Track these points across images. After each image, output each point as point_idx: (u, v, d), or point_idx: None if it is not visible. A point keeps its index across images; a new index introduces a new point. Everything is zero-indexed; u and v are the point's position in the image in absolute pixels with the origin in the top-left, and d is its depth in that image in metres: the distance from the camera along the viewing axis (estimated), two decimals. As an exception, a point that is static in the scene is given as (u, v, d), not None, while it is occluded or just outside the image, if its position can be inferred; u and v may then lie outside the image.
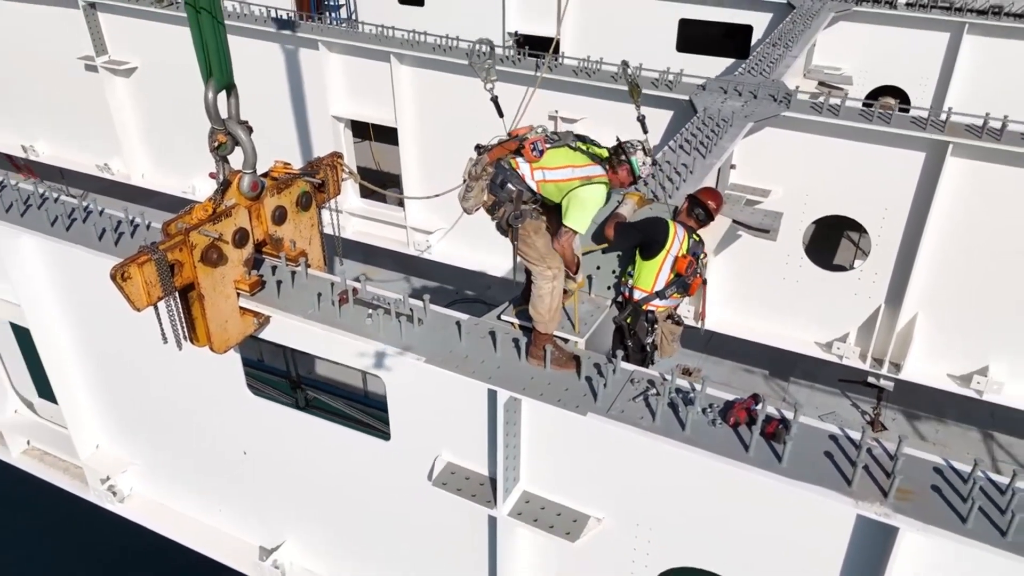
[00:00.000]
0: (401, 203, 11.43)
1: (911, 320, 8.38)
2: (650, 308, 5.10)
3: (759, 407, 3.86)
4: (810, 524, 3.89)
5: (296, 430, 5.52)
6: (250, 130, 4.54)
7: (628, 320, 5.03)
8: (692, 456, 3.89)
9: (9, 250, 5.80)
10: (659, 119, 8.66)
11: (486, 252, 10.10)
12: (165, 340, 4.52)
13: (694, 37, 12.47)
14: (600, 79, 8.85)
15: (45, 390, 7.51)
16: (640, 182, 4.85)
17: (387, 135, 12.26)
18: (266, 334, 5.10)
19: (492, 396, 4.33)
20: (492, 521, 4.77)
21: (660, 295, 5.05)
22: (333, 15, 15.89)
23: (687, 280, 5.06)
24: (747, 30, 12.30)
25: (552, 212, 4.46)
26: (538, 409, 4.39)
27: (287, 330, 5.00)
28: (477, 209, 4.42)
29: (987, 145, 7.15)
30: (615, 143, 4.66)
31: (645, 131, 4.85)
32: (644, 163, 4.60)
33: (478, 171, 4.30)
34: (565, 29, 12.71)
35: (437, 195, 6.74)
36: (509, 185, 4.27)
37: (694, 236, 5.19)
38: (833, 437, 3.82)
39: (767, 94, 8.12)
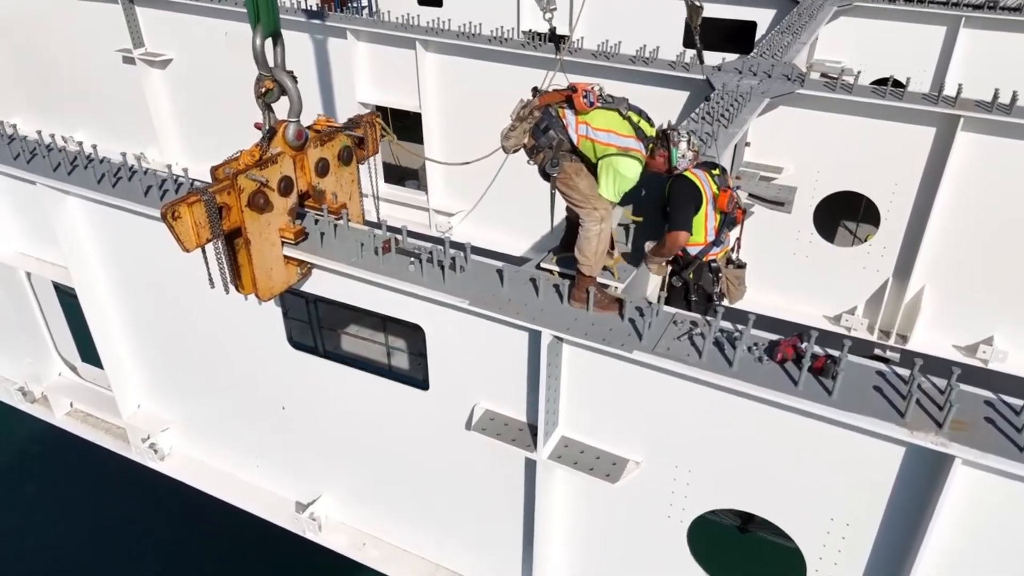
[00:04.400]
0: (423, 187, 11.19)
1: (918, 292, 8.12)
2: (711, 258, 4.83)
3: (805, 345, 3.61)
4: (856, 462, 3.64)
5: (335, 383, 5.27)
6: (295, 79, 4.31)
7: (691, 276, 4.76)
8: (738, 393, 3.66)
9: (57, 211, 5.57)
10: (676, 100, 8.41)
11: (504, 233, 9.84)
12: (212, 285, 4.28)
13: (700, 33, 12.22)
14: (618, 61, 8.60)
15: (88, 354, 7.29)
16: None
17: (407, 132, 12.07)
18: (307, 287, 4.87)
19: (535, 338, 4.09)
20: (531, 466, 4.53)
21: (716, 242, 4.78)
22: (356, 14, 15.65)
23: (732, 214, 4.78)
24: (751, 26, 12.07)
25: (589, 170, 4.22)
26: (578, 355, 4.16)
27: (328, 282, 4.77)
28: (516, 150, 4.19)
29: (998, 118, 6.89)
30: (663, 127, 4.43)
31: (701, 61, 4.60)
32: (684, 155, 4.38)
33: (525, 113, 4.06)
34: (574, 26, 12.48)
35: (467, 162, 6.53)
36: (551, 132, 4.03)
37: (713, 171, 4.88)
38: (881, 373, 3.58)
39: (781, 74, 7.87)
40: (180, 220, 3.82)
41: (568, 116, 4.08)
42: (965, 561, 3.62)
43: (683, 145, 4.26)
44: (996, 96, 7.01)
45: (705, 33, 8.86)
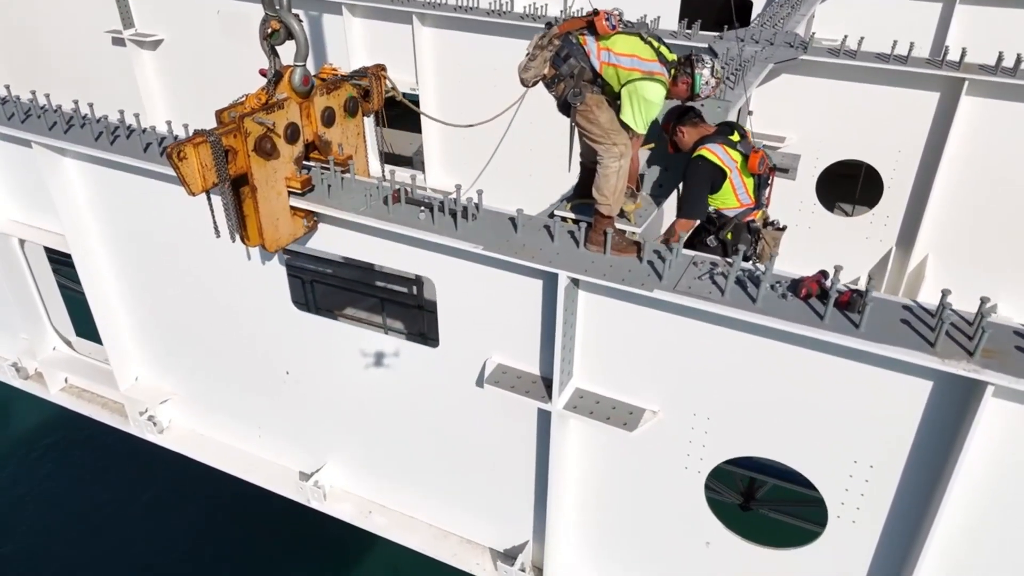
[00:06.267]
0: (420, 166, 11.07)
1: (922, 262, 8.10)
2: (750, 219, 4.76)
3: (829, 281, 3.54)
4: (881, 400, 3.57)
5: (341, 344, 5.17)
6: (300, 21, 4.20)
7: (729, 236, 4.70)
8: (761, 331, 3.59)
9: (53, 172, 5.43)
10: (677, 69, 8.34)
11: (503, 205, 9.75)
12: (218, 234, 4.17)
13: (696, 10, 12.17)
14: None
15: (82, 328, 7.15)
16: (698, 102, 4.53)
17: (399, 121, 11.93)
18: (313, 243, 4.76)
19: (550, 284, 3.99)
20: (544, 419, 4.44)
21: (758, 204, 4.71)
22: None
23: (766, 176, 4.71)
24: (747, 5, 12.02)
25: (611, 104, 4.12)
26: (594, 302, 4.07)
27: (335, 236, 4.66)
28: (536, 82, 4.06)
29: (1004, 80, 6.87)
30: (687, 53, 4.35)
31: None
32: (708, 83, 4.30)
33: (544, 42, 3.93)
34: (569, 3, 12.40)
35: (471, 125, 6.42)
36: (572, 60, 3.93)
37: (732, 137, 4.82)
38: (908, 308, 3.51)
39: (783, 42, 7.82)
40: (186, 161, 3.71)
41: (589, 43, 3.99)
42: (994, 502, 3.56)
43: (706, 72, 4.18)
44: (1000, 59, 6.99)
45: (701, 10, 8.82)
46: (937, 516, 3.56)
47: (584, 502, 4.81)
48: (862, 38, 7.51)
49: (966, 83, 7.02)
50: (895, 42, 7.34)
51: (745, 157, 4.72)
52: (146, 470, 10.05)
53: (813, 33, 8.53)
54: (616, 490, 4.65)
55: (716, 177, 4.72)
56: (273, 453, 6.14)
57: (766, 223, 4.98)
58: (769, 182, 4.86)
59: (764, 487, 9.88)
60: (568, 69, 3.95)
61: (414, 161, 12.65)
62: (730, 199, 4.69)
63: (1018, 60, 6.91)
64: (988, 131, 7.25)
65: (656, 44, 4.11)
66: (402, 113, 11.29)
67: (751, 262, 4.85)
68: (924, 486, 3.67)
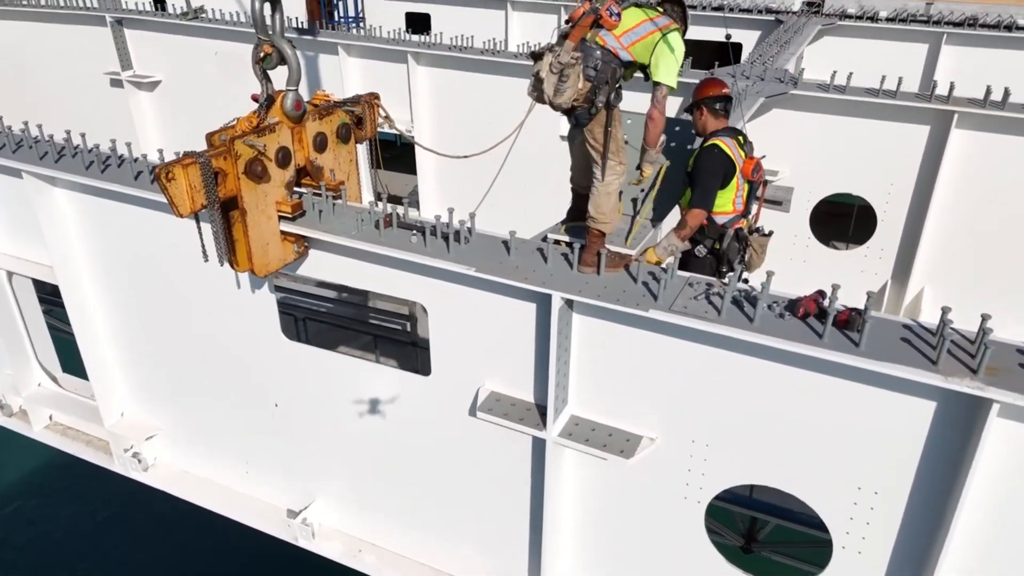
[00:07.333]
0: (416, 206, 11.09)
1: (918, 295, 8.06)
2: (738, 227, 4.73)
3: (827, 301, 3.49)
4: (884, 422, 3.48)
5: (331, 373, 5.06)
6: (294, 47, 4.22)
7: (717, 245, 4.66)
8: (759, 351, 3.51)
9: (43, 203, 5.39)
10: (671, 104, 8.40)
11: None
12: (206, 258, 4.11)
13: (688, 54, 12.39)
14: None
15: (68, 365, 7.03)
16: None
17: (394, 163, 12.04)
18: (304, 269, 4.70)
19: (544, 307, 3.92)
20: (539, 448, 4.32)
21: (745, 212, 4.69)
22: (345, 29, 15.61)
23: (756, 183, 4.70)
24: (737, 47, 12.24)
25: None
26: (589, 324, 4.00)
27: (326, 262, 4.61)
28: (571, 103, 3.91)
29: (992, 113, 6.94)
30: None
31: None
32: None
33: (569, 58, 3.75)
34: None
35: (466, 156, 6.42)
36: (601, 64, 3.88)
37: (738, 137, 4.82)
38: (907, 327, 3.45)
39: (773, 77, 7.92)
40: (174, 182, 3.67)
41: (607, 38, 3.97)
42: (1002, 528, 3.45)
43: None
44: (988, 92, 7.07)
45: (692, 50, 8.93)
46: (945, 544, 3.44)
47: (580, 534, 4.66)
48: (851, 73, 7.62)
49: (956, 116, 7.09)
50: (884, 77, 7.44)
51: (750, 158, 4.75)
52: (132, 499, 9.82)
53: (803, 69, 8.64)
54: (613, 521, 4.51)
55: (729, 169, 4.72)
56: (261, 489, 5.97)
57: (752, 230, 4.97)
58: (759, 194, 4.86)
59: (766, 528, 9.66)
60: (604, 74, 3.88)
61: (410, 202, 12.71)
62: (728, 202, 4.67)
63: (1006, 94, 6.99)
64: (980, 164, 7.30)
65: (644, 8, 4.18)
66: (397, 155, 11.36)
67: (742, 269, 4.84)
68: (931, 513, 3.56)
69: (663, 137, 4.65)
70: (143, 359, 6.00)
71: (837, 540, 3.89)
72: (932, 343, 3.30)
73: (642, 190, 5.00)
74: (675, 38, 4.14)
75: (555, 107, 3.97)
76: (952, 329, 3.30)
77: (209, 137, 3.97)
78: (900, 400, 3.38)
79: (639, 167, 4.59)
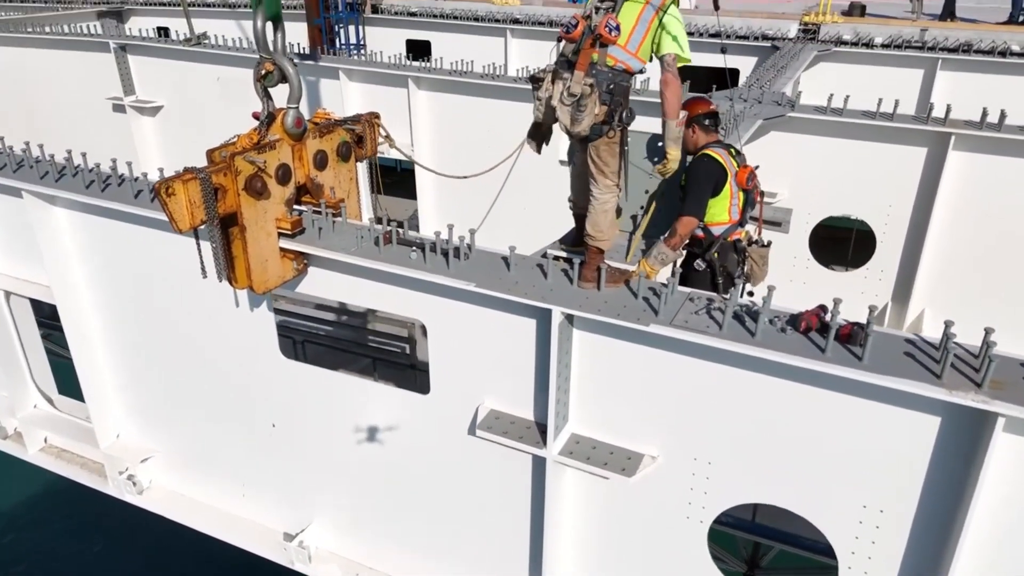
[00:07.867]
0: (416, 230, 11.12)
1: (918, 316, 8.04)
2: (736, 238, 4.73)
3: (829, 315, 3.47)
4: (888, 438, 3.44)
5: (329, 391, 5.02)
6: (295, 65, 4.24)
7: (716, 256, 4.64)
8: (761, 366, 3.48)
9: (43, 222, 5.39)
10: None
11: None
12: (205, 274, 4.09)
13: (684, 78, 12.51)
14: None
15: (66, 386, 6.97)
16: None
17: (393, 188, 12.10)
18: (303, 286, 4.69)
19: (544, 323, 3.90)
20: (539, 466, 4.27)
21: (741, 222, 4.69)
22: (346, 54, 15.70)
23: (751, 192, 4.70)
24: (735, 72, 12.35)
25: None
26: (589, 340, 3.98)
27: (325, 279, 4.60)
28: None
29: (989, 135, 6.98)
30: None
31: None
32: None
33: (581, 88, 3.73)
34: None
35: (465, 176, 6.44)
36: (614, 85, 3.87)
37: (731, 149, 4.83)
38: (910, 341, 3.43)
39: (771, 100, 7.98)
40: (174, 197, 3.67)
41: (616, 54, 3.95)
42: (1011, 542, 3.39)
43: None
44: (985, 114, 7.12)
45: (688, 74, 9.02)
46: (953, 562, 3.38)
47: (582, 554, 4.59)
48: (848, 96, 7.68)
49: (953, 138, 7.13)
50: (880, 100, 7.50)
51: (738, 169, 4.76)
52: (131, 521, 9.70)
53: (800, 92, 8.72)
54: (615, 541, 4.44)
55: (720, 177, 4.72)
56: (257, 512, 5.89)
57: (751, 242, 4.95)
58: (756, 211, 4.86)
59: (769, 554, 9.54)
60: (619, 95, 3.88)
61: (410, 226, 12.76)
62: (723, 211, 4.66)
63: (1002, 116, 7.04)
64: (977, 184, 7.33)
65: None
66: (397, 180, 11.40)
67: (743, 282, 4.82)
68: (937, 530, 3.50)
69: (683, 112, 4.58)
70: (140, 378, 5.96)
71: (842, 561, 3.83)
72: (936, 357, 3.28)
73: (641, 207, 5.01)
74: (672, 11, 4.13)
75: (572, 136, 4.02)
76: (955, 343, 3.27)
77: (210, 153, 3.98)
78: (904, 415, 3.34)
79: (661, 145, 4.52)
